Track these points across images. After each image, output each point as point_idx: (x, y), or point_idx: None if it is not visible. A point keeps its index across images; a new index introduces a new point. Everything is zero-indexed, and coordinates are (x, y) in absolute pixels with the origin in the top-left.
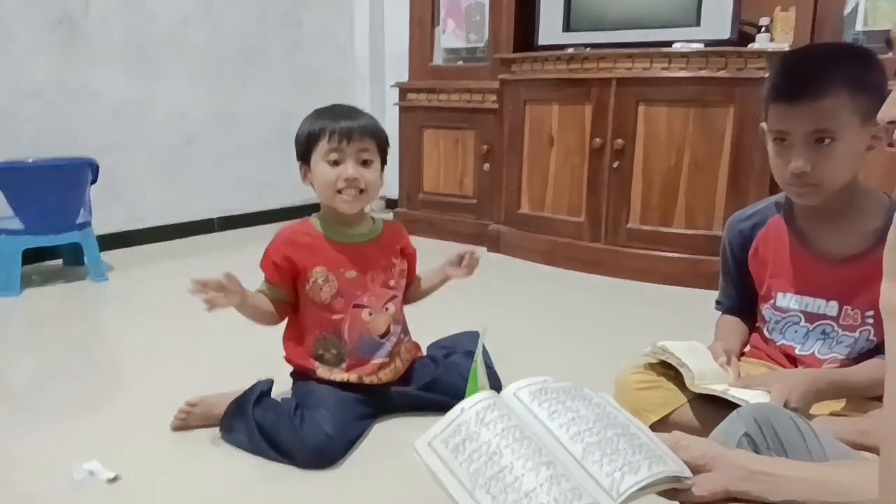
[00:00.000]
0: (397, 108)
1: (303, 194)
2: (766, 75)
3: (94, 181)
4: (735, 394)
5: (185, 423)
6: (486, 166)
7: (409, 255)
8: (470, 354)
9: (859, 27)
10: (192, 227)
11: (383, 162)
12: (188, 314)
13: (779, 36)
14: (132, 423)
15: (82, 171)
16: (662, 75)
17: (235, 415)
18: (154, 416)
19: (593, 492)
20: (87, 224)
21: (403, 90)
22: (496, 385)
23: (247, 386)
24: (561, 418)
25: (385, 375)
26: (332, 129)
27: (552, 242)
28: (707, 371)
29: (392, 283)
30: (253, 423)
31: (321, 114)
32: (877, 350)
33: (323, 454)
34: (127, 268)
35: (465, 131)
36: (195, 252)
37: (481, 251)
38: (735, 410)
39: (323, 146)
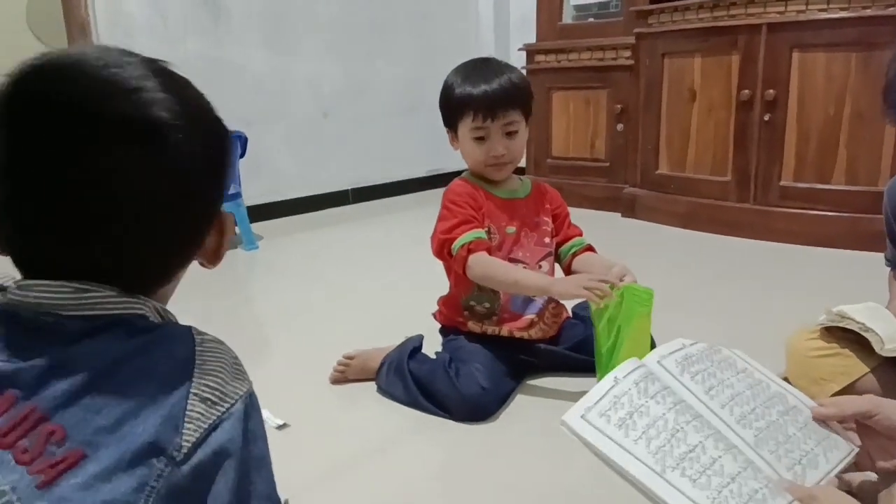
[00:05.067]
0: (524, 72)
1: (426, 165)
2: None
3: (242, 154)
4: None
5: (343, 376)
6: (620, 126)
7: (558, 215)
8: None
9: None
10: (328, 199)
11: (529, 116)
12: (337, 279)
13: None
14: (293, 377)
15: (234, 144)
16: (820, 17)
17: (391, 368)
18: (313, 371)
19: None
20: (238, 195)
21: (531, 52)
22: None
23: (397, 342)
24: (720, 396)
25: (535, 333)
26: (476, 104)
27: (693, 204)
28: (894, 334)
29: (546, 240)
30: (409, 376)
31: (464, 79)
32: None
33: (478, 406)
34: (273, 237)
35: (596, 91)
36: (336, 222)
37: (632, 277)
38: None
39: (468, 122)
